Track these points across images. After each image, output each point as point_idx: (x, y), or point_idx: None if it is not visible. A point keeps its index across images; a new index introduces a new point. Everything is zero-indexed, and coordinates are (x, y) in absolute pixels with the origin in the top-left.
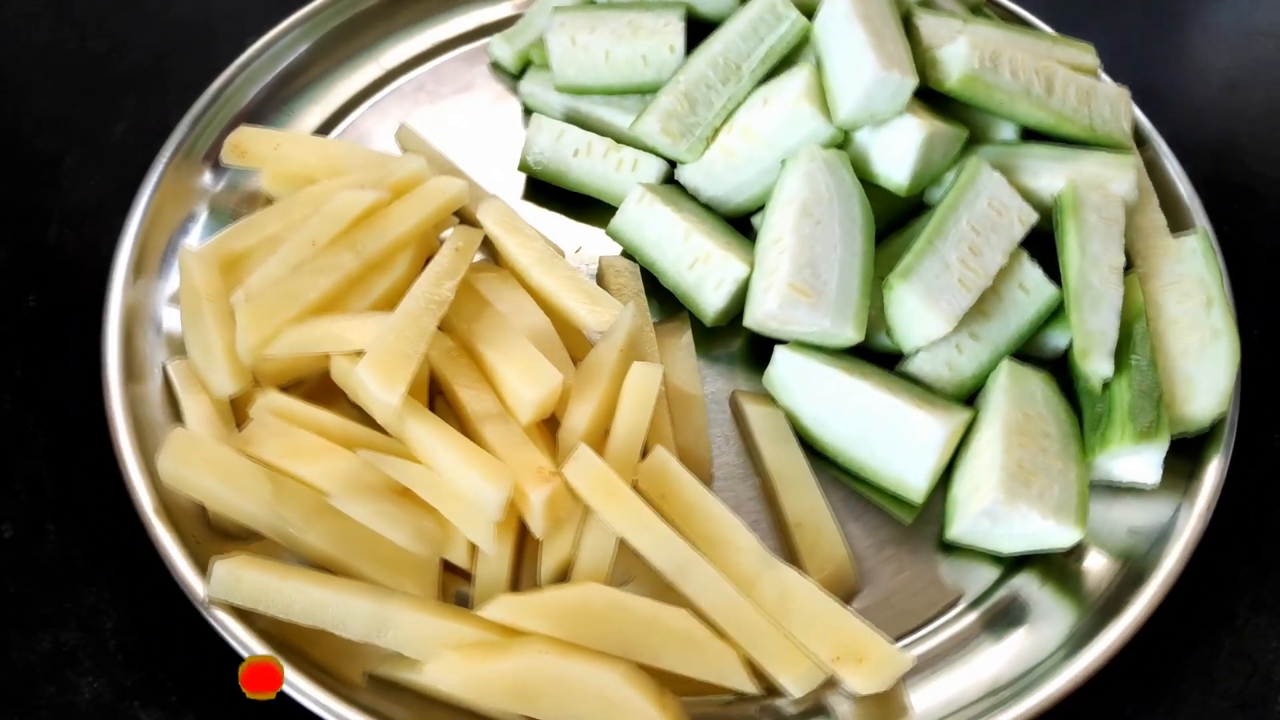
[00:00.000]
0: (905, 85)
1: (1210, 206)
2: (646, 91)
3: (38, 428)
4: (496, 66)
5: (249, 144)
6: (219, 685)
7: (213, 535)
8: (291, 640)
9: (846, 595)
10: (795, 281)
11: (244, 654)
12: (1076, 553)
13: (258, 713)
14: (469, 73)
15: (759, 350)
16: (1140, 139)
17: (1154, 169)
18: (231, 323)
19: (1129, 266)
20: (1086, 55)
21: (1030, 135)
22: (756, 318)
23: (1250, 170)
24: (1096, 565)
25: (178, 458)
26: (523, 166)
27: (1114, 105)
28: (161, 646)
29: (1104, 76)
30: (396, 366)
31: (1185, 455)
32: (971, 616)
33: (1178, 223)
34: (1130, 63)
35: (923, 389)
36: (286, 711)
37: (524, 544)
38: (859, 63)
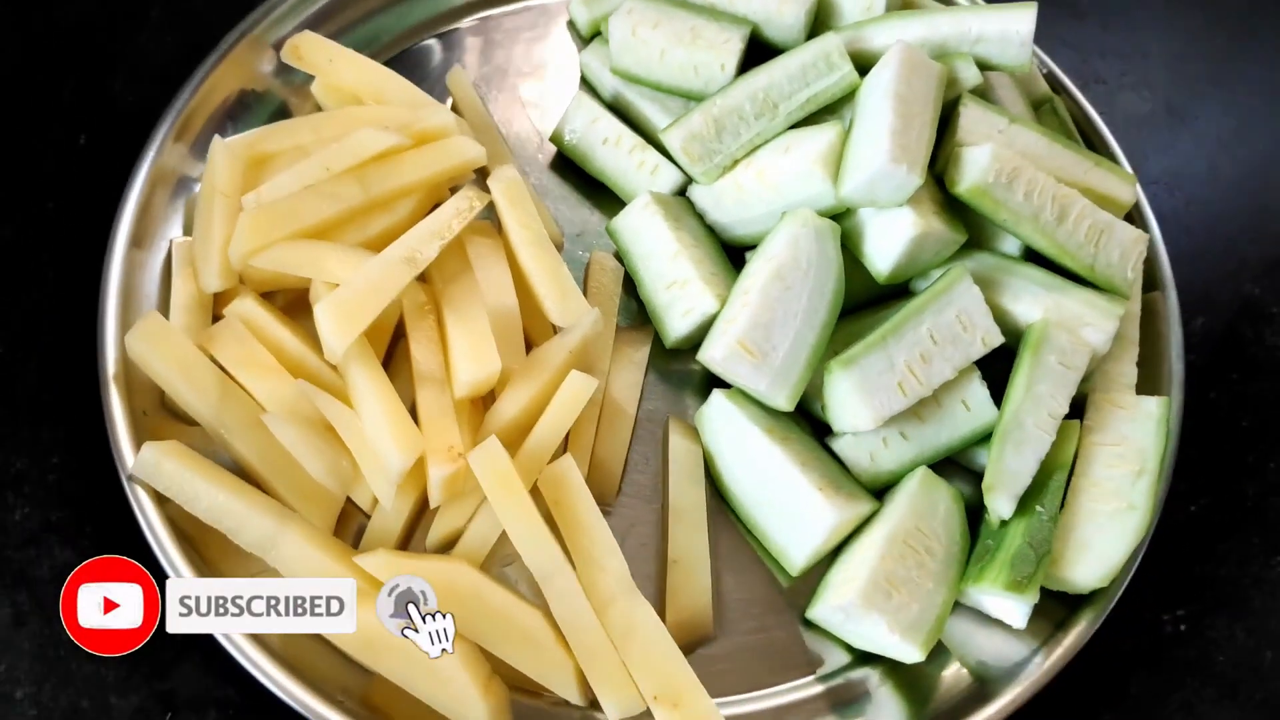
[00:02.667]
0: (910, 182)
1: (1208, 367)
2: (692, 98)
3: (51, 266)
4: (573, 25)
5: (307, 50)
6: (131, 541)
7: (162, 411)
8: (190, 531)
9: (696, 641)
10: (745, 339)
11: (148, 533)
12: (931, 660)
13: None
14: (547, 23)
15: (713, 381)
16: (1153, 283)
17: (1151, 318)
18: (236, 223)
19: (1080, 415)
20: (1125, 188)
21: (1034, 253)
22: (705, 356)
23: (1267, 345)
24: (946, 677)
25: (145, 339)
26: (554, 138)
27: (1125, 250)
28: (94, 497)
29: (1146, 209)
30: (353, 317)
31: (1064, 605)
32: (814, 690)
33: (1150, 380)
34: (1199, 203)
35: (840, 470)
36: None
37: (428, 503)
38: (874, 146)
